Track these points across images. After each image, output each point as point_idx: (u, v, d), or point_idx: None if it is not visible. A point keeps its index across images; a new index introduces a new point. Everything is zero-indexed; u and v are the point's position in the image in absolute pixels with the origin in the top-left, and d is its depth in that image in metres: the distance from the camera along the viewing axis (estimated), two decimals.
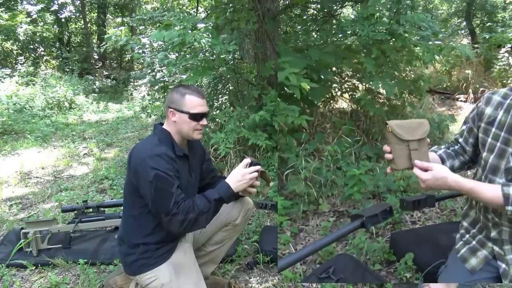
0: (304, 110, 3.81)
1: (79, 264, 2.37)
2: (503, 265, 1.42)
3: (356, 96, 4.39)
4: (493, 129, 1.41)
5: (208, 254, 2.06)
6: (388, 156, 1.39)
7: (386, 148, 1.39)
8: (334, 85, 4.44)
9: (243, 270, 2.38)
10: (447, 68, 6.89)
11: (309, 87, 3.13)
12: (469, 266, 1.48)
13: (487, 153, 1.42)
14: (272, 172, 3.71)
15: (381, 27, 3.38)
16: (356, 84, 4.51)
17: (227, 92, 5.01)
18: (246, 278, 2.31)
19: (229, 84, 4.85)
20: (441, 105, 6.20)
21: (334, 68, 4.35)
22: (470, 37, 11.54)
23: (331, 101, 4.56)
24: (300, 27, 4.77)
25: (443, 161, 1.56)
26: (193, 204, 1.60)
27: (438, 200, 2.02)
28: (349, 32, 3.70)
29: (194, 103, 1.72)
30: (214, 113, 4.42)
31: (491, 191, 1.30)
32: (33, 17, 12.28)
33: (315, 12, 4.73)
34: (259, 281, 2.29)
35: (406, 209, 1.77)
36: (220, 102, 4.95)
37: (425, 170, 1.32)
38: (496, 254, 1.44)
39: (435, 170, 1.31)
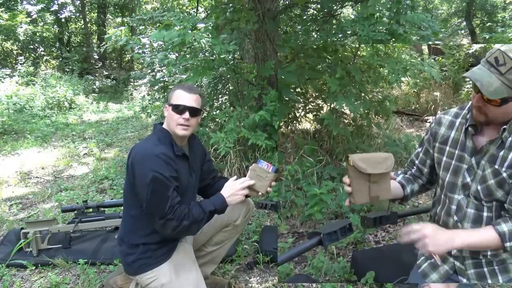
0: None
1: (79, 264, 2.37)
2: (464, 280, 1.43)
3: (320, 115, 4.30)
4: (447, 148, 1.46)
5: (208, 254, 2.06)
6: (348, 189, 1.37)
7: (346, 180, 1.37)
8: (298, 105, 4.36)
9: (243, 270, 2.39)
10: (415, 90, 6.94)
11: None
12: (429, 282, 1.48)
13: (444, 172, 1.46)
14: None
15: (381, 27, 3.38)
16: (321, 105, 4.42)
17: (227, 92, 5.01)
18: (246, 278, 2.31)
19: (229, 84, 4.85)
20: (409, 126, 6.24)
21: (299, 89, 4.29)
22: (470, 37, 11.54)
23: (294, 122, 4.46)
24: (300, 27, 4.77)
25: (403, 187, 1.57)
26: (188, 212, 1.62)
27: (400, 217, 1.90)
28: (349, 32, 3.70)
29: (179, 96, 1.72)
30: (214, 113, 4.42)
31: (486, 235, 1.28)
32: (33, 17, 12.27)
33: (315, 12, 4.72)
34: (259, 281, 2.29)
35: (367, 226, 1.64)
36: (220, 102, 4.94)
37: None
38: (457, 269, 1.46)
39: (424, 226, 1.27)
